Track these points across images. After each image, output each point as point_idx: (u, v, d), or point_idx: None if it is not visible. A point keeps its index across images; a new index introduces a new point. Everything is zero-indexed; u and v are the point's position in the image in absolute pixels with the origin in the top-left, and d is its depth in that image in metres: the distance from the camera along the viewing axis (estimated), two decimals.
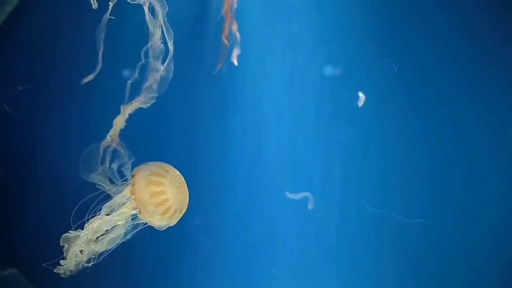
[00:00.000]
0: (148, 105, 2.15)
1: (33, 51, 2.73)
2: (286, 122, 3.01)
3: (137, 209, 1.91)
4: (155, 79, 2.12)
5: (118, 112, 2.17)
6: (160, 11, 1.99)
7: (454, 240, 2.84)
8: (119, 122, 2.10)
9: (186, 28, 2.91)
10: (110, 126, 2.18)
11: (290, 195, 2.93)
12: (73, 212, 1.99)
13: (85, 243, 1.92)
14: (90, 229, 1.92)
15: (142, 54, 2.10)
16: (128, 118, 2.23)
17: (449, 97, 2.85)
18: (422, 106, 2.87)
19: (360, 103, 2.80)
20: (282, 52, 2.97)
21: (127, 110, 2.13)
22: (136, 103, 2.12)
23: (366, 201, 2.87)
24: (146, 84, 2.12)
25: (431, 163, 2.87)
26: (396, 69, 2.80)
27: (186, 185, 2.01)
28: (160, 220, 1.91)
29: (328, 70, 2.95)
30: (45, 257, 2.72)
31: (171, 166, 2.02)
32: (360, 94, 2.80)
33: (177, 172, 2.01)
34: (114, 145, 2.04)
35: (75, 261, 1.95)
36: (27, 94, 2.73)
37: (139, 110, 2.78)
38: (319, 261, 2.98)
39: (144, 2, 2.00)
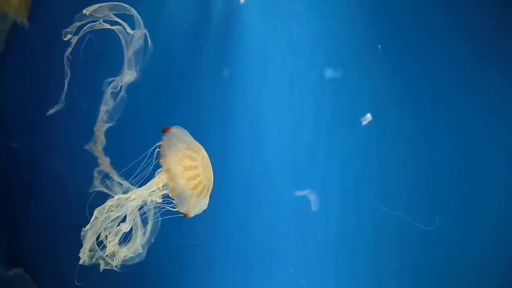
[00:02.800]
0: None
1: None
2: (286, 125, 2.97)
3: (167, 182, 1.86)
4: (106, 110, 2.12)
5: None
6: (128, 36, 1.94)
7: (454, 241, 2.85)
8: (102, 159, 2.08)
9: (186, 31, 2.86)
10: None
11: (297, 193, 2.95)
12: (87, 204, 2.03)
13: (105, 229, 1.93)
14: (114, 203, 1.91)
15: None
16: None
17: (449, 100, 2.80)
18: (422, 109, 2.82)
19: (364, 122, 2.77)
20: (282, 56, 2.92)
21: (98, 145, 2.12)
22: (99, 129, 2.11)
23: (366, 203, 2.90)
24: (100, 116, 2.13)
25: (431, 164, 2.85)
26: (380, 47, 2.77)
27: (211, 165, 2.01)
28: (191, 196, 1.88)
29: (328, 74, 2.90)
30: (50, 256, 2.80)
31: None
32: (368, 115, 2.77)
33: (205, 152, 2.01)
34: (114, 177, 2.04)
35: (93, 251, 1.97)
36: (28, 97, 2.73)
37: (139, 112, 2.78)
38: (320, 264, 3.03)
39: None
